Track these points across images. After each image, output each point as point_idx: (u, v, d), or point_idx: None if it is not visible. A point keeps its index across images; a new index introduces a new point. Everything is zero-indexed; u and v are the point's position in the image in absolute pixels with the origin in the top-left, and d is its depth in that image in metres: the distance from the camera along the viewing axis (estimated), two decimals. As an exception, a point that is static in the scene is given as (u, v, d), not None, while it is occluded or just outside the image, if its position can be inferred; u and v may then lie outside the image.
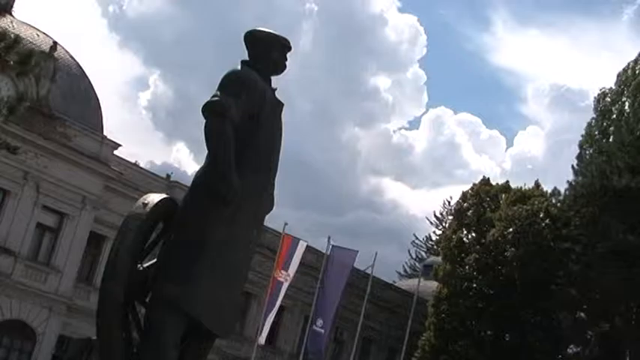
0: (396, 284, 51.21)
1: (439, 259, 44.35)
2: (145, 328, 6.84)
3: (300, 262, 34.58)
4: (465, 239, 42.70)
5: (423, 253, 65.91)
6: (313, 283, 37.49)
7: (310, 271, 38.77)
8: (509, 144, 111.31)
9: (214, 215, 6.78)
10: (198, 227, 6.78)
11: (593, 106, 40.84)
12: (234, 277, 7.03)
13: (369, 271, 38.69)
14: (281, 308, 35.60)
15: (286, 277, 33.60)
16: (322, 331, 34.46)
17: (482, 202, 43.15)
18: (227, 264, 6.86)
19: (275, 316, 34.44)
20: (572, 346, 41.34)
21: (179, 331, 6.74)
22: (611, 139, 38.97)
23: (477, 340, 39.64)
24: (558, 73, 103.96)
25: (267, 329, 33.79)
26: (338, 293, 35.04)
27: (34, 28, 35.13)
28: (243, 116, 6.90)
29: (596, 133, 39.66)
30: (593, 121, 40.06)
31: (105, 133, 35.17)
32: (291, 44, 7.46)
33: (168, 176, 38.66)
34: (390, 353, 45.86)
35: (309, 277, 38.86)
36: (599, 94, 40.59)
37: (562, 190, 41.32)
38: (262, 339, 33.71)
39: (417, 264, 63.59)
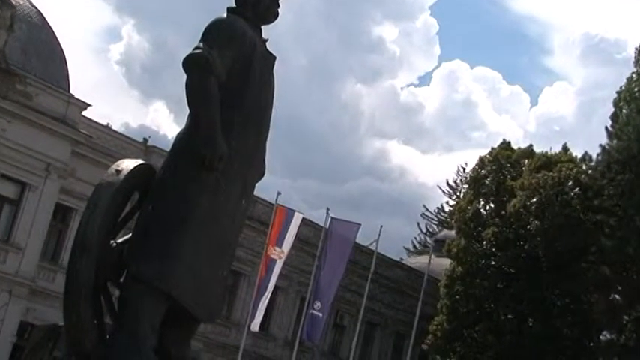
0: (403, 261, 51.48)
1: (453, 233, 44.58)
2: (120, 311, 6.88)
3: (296, 237, 34.71)
4: (482, 211, 42.81)
5: (435, 227, 66.36)
6: (310, 260, 37.67)
7: (307, 247, 38.94)
8: (534, 102, 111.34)
9: (197, 184, 6.81)
10: (180, 197, 6.81)
11: (633, 58, 40.74)
12: (220, 254, 7.06)
13: (373, 247, 38.89)
14: (274, 289, 35.78)
15: (280, 254, 33.75)
16: (320, 314, 34.67)
17: (502, 168, 43.20)
18: (212, 238, 6.90)
19: (268, 298, 34.63)
20: (604, 332, 41.54)
21: (158, 314, 6.77)
22: (653, 97, 38.91)
23: (495, 325, 39.86)
24: (591, 21, 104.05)
25: (262, 314, 33.97)
26: (338, 272, 35.20)
27: (-11, -30, 34.94)
28: (230, 71, 6.90)
29: (636, 89, 39.57)
30: (634, 76, 39.94)
31: (72, 91, 35.10)
32: (284, -12, 7.44)
33: (145, 140, 38.74)
34: (397, 339, 46.18)
35: (306, 253, 39.03)
36: (640, 45, 40.46)
37: (594, 156, 41.36)
38: (255, 325, 33.89)
39: (427, 239, 63.96)
